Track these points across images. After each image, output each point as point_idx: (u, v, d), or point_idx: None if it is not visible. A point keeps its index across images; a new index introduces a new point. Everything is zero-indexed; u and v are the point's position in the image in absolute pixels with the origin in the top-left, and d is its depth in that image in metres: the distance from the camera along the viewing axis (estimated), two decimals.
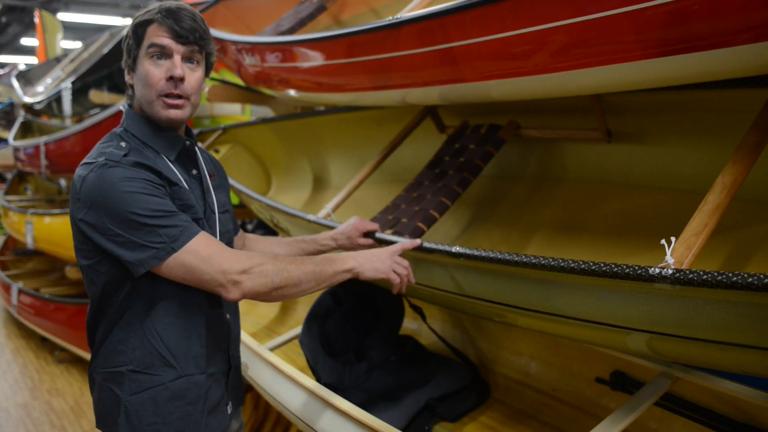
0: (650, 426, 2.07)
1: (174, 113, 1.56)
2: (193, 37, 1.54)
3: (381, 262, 1.73)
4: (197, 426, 1.60)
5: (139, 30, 1.55)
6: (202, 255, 1.49)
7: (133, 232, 1.45)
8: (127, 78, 1.63)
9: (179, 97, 1.56)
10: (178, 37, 1.53)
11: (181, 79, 1.54)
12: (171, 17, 1.52)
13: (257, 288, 1.52)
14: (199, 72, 1.60)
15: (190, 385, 1.59)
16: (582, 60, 1.63)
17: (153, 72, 1.53)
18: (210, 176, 1.74)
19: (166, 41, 1.52)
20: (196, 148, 1.72)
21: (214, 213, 1.70)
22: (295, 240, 2.02)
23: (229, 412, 1.74)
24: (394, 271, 1.74)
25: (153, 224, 1.46)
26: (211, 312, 1.64)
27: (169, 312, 1.57)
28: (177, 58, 1.54)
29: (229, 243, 1.77)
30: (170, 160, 1.61)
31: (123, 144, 1.55)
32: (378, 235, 2.04)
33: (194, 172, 1.68)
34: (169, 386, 1.56)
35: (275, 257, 1.58)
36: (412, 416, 2.20)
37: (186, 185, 1.61)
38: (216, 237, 1.66)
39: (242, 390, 1.85)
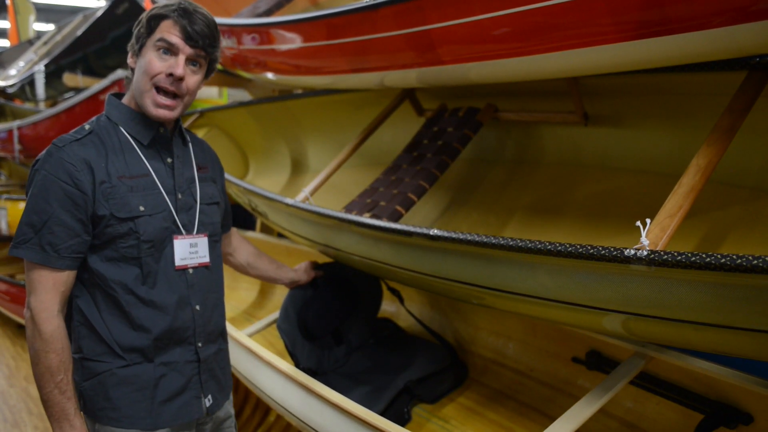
0: (626, 404, 2.10)
1: (163, 113, 1.60)
2: (202, 42, 1.59)
3: None
4: (148, 413, 1.63)
5: (152, 22, 1.59)
6: (28, 276, 1.57)
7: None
8: (129, 61, 1.67)
9: (174, 96, 1.60)
10: (188, 39, 1.57)
11: (181, 79, 1.58)
12: (186, 17, 1.57)
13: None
14: (199, 75, 1.65)
15: (138, 372, 1.62)
16: (559, 42, 1.63)
17: (155, 63, 1.57)
18: (200, 168, 1.78)
19: (176, 40, 1.57)
20: (180, 140, 1.75)
21: (196, 202, 1.73)
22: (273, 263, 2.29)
23: (206, 405, 1.74)
24: None
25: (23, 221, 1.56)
26: (164, 303, 1.65)
27: (115, 302, 1.60)
28: (182, 57, 1.58)
29: (214, 234, 1.79)
30: (143, 145, 1.65)
31: (87, 126, 1.62)
32: (356, 218, 2.04)
33: (169, 160, 1.70)
34: (116, 372, 1.61)
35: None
36: (391, 399, 2.21)
37: (153, 174, 1.65)
38: (194, 225, 1.71)
39: (225, 383, 1.84)
